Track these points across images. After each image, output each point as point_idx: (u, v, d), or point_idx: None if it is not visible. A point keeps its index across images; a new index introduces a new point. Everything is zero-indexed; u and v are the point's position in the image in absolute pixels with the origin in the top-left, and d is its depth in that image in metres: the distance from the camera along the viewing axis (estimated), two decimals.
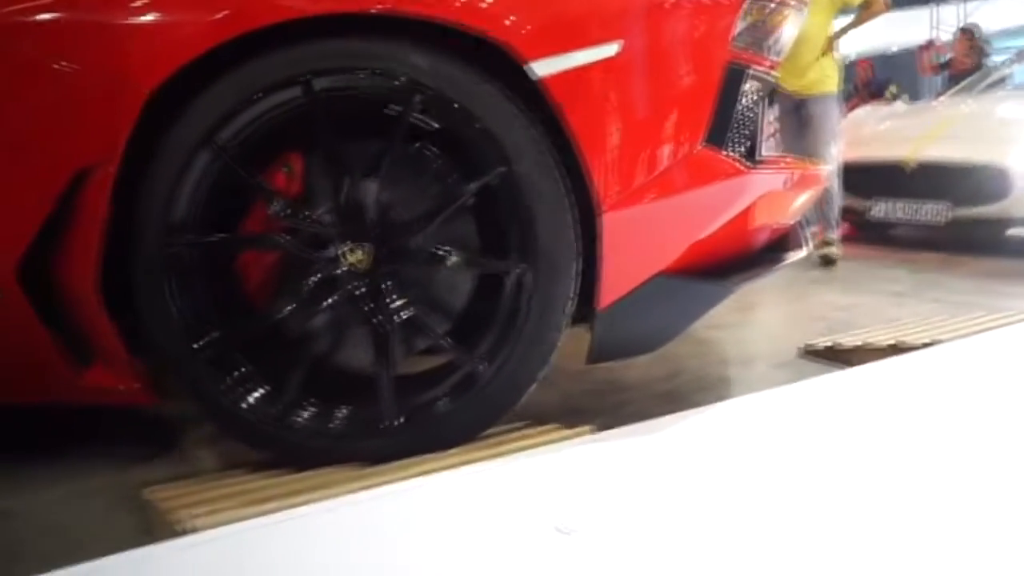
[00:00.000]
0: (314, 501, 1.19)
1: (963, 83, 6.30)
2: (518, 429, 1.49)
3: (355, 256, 1.39)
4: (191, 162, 1.32)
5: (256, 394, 1.38)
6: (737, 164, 1.46)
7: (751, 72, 1.48)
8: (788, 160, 1.71)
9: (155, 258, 1.33)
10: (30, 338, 1.33)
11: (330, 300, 1.39)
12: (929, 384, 1.75)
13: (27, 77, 1.31)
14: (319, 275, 1.39)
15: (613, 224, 1.37)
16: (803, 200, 1.71)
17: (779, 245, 1.73)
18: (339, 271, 1.39)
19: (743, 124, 1.49)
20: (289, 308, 1.39)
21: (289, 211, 1.40)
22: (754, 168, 1.49)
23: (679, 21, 1.43)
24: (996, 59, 7.82)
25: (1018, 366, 1.89)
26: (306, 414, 1.39)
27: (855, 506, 1.15)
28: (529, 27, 1.33)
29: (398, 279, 1.41)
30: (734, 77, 1.45)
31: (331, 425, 1.39)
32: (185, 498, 1.24)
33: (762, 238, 1.64)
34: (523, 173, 1.36)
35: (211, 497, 1.23)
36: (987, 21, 10.18)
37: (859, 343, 2.13)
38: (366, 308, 1.39)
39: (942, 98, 6.05)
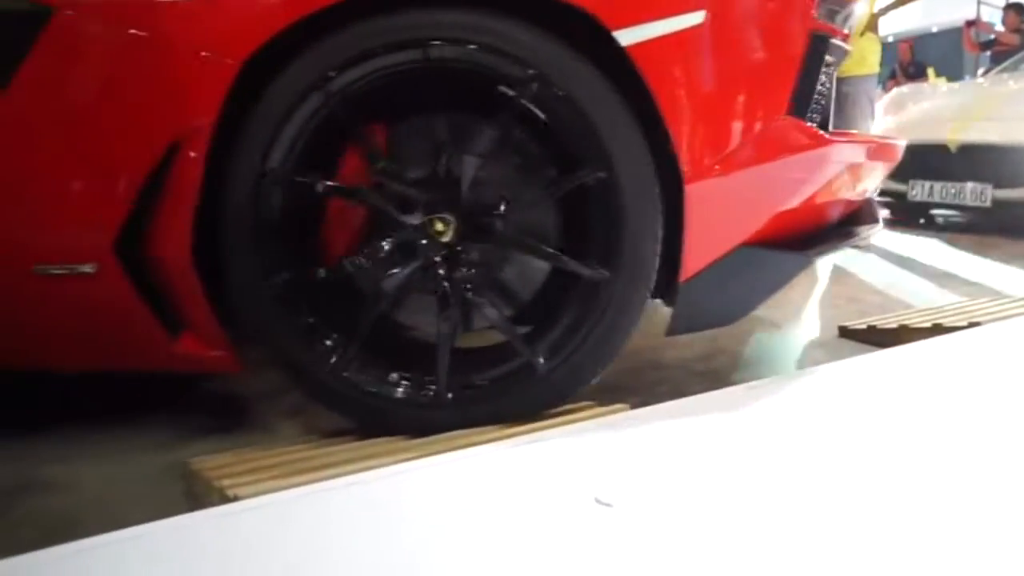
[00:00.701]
0: (359, 471, 1.22)
1: (1007, 62, 6.17)
2: None
3: (441, 227, 1.41)
4: (299, 105, 1.34)
5: (339, 356, 1.42)
6: (821, 135, 1.47)
7: (831, 43, 1.49)
8: (861, 133, 1.71)
9: (247, 202, 1.36)
10: (127, 309, 1.38)
11: (409, 265, 1.42)
12: (968, 366, 1.73)
13: (118, 50, 1.33)
14: (401, 239, 1.42)
15: (698, 195, 1.37)
16: (878, 174, 1.71)
17: (854, 219, 1.74)
18: (422, 239, 1.42)
19: (820, 95, 1.51)
20: (364, 262, 1.42)
21: (387, 170, 1.42)
22: (836, 139, 1.49)
23: None
24: None
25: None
26: (401, 386, 1.43)
27: (890, 486, 1.15)
28: None
29: (476, 258, 1.44)
30: (817, 47, 1.45)
31: (422, 393, 1.44)
32: (230, 467, 1.27)
33: (838, 211, 1.65)
34: (620, 174, 1.37)
35: (257, 467, 1.27)
36: None
37: (896, 324, 2.11)
38: (440, 279, 1.43)
39: (984, 78, 5.93)
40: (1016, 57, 6.15)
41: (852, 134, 1.62)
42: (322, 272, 1.43)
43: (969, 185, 4.25)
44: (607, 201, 1.39)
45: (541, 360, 1.41)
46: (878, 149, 1.65)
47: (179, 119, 1.31)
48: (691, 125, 1.37)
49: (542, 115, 1.39)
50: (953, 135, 4.27)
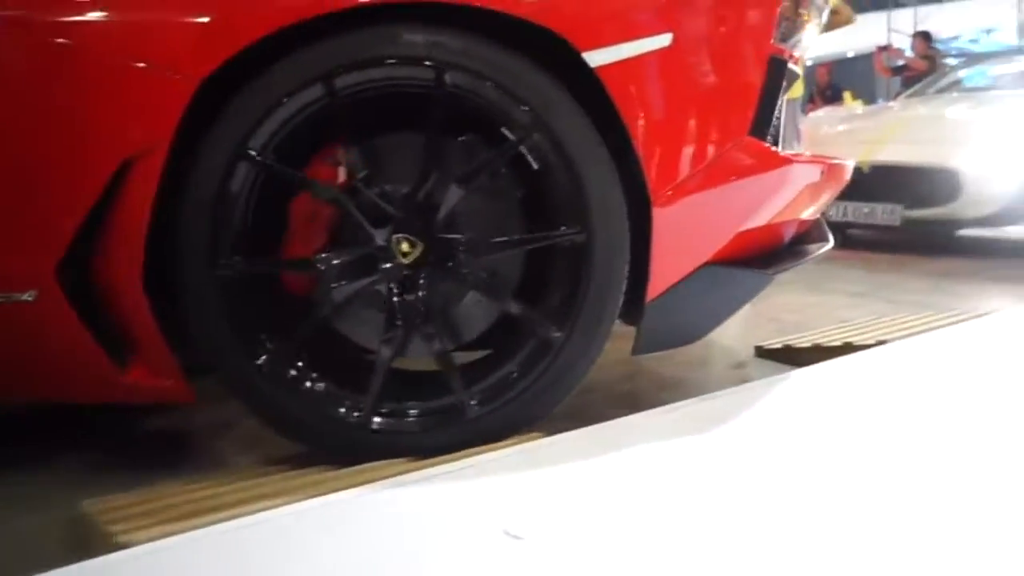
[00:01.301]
0: (262, 510, 1.18)
1: (916, 87, 6.43)
2: None
3: (407, 247, 1.39)
4: (293, 95, 1.31)
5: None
6: (783, 155, 1.51)
7: (787, 66, 1.53)
8: (817, 154, 1.75)
9: (212, 189, 1.31)
10: (69, 337, 1.30)
11: (366, 278, 1.40)
12: (877, 383, 1.78)
13: (67, 64, 1.27)
14: (367, 251, 1.40)
15: (665, 215, 1.39)
16: (830, 194, 1.75)
17: (805, 238, 1.78)
18: (386, 257, 1.39)
19: (777, 116, 1.54)
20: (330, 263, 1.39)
21: (368, 180, 1.38)
22: (797, 160, 1.54)
23: (729, 11, 1.45)
24: (949, 62, 8.00)
25: (963, 364, 1.92)
26: (333, 402, 1.41)
27: (807, 502, 1.16)
28: (583, 18, 1.34)
29: (434, 286, 1.42)
30: (776, 70, 1.49)
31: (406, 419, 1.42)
32: (125, 510, 1.21)
33: (792, 230, 1.69)
34: (596, 238, 1.38)
35: (154, 508, 1.21)
36: (941, 26, 10.40)
37: (810, 344, 2.15)
38: (392, 299, 1.41)
39: (896, 101, 6.16)
40: (924, 82, 6.42)
41: (808, 155, 1.66)
42: (275, 265, 1.42)
43: (880, 205, 4.40)
44: (576, 261, 1.40)
45: (473, 403, 1.40)
46: (831, 170, 1.70)
47: (132, 137, 1.26)
48: (659, 147, 1.38)
49: (535, 164, 1.39)
50: (865, 157, 4.42)
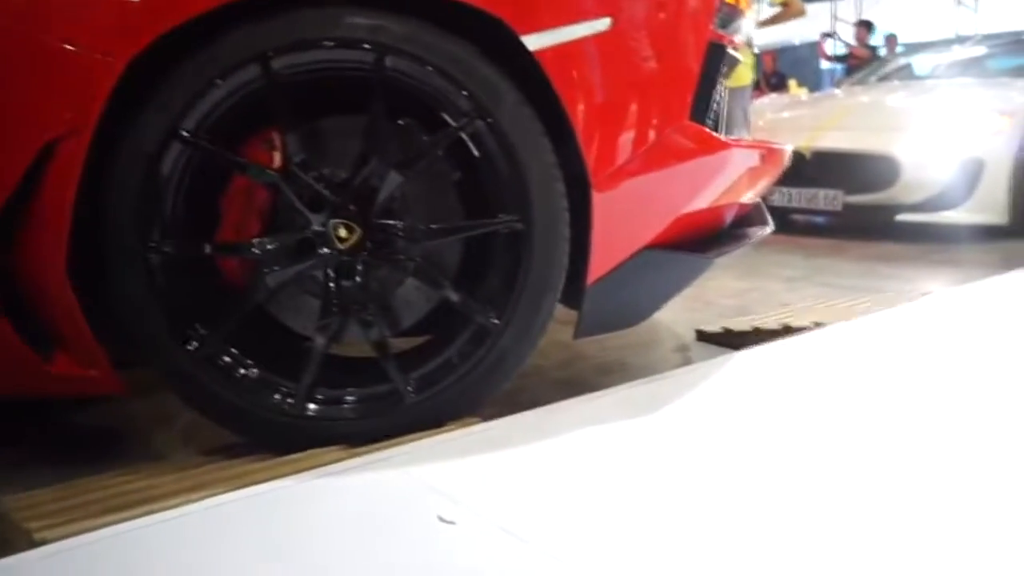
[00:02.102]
0: (191, 501, 1.15)
1: (858, 74, 6.55)
2: None
3: (345, 233, 1.36)
4: (226, 76, 1.27)
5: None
6: (722, 140, 1.51)
7: (727, 51, 1.53)
8: (756, 139, 1.75)
9: (140, 169, 1.27)
10: None
11: (301, 263, 1.37)
12: (815, 364, 1.81)
13: None
14: (303, 235, 1.37)
15: (605, 198, 1.38)
16: (771, 177, 1.76)
17: (745, 222, 1.79)
18: (322, 241, 1.36)
19: (716, 101, 1.55)
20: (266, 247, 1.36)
21: (305, 163, 1.35)
22: (735, 144, 1.54)
23: None
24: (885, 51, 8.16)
25: (898, 345, 1.96)
26: (265, 389, 1.38)
27: (747, 482, 1.17)
28: (521, 2, 1.32)
29: (371, 272, 1.40)
30: (715, 55, 1.49)
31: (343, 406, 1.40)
32: (44, 506, 1.17)
33: (732, 214, 1.69)
34: (536, 227, 1.36)
35: (74, 504, 1.17)
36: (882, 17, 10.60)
37: (750, 327, 2.18)
38: (328, 285, 1.38)
39: (839, 89, 6.27)
40: (867, 70, 6.54)
41: (747, 140, 1.66)
42: (209, 248, 1.38)
43: (822, 191, 4.47)
44: (515, 249, 1.38)
45: (410, 390, 1.39)
46: (769, 154, 1.72)
47: (56, 118, 1.20)
48: (598, 131, 1.38)
49: (476, 151, 1.37)
50: (808, 143, 4.48)
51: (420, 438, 1.35)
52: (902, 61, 6.28)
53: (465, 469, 1.23)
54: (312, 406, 1.38)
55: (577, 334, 1.51)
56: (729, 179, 1.56)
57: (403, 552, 1.00)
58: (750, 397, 1.57)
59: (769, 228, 1.82)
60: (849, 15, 11.57)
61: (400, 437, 1.37)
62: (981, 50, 5.88)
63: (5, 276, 1.25)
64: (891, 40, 9.60)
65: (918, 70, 5.91)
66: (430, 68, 1.31)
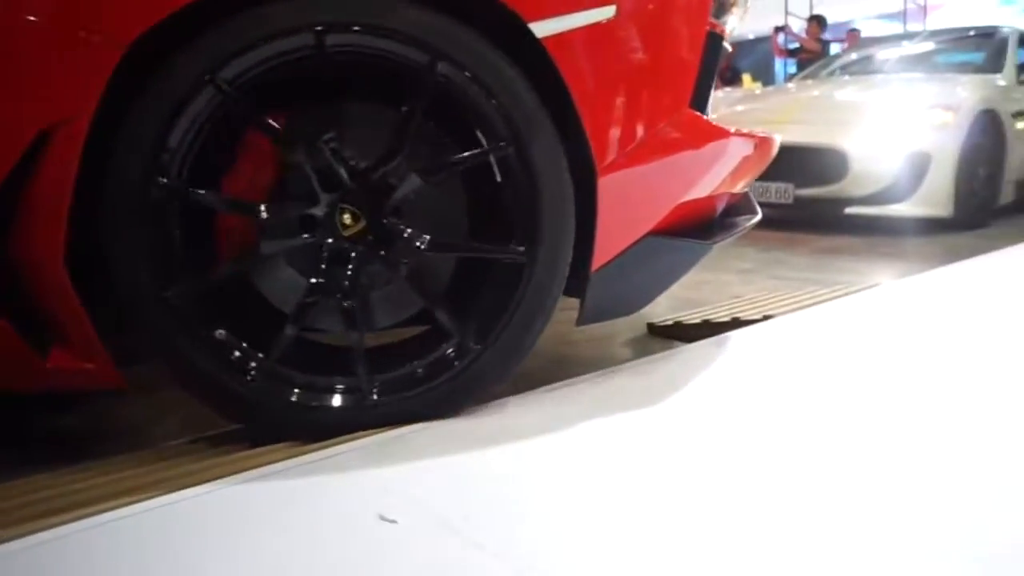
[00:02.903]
0: (133, 503, 1.12)
1: (809, 68, 6.64)
2: None
3: (349, 221, 1.35)
4: (194, 96, 1.24)
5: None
6: (723, 128, 1.53)
7: (723, 41, 1.55)
8: (747, 128, 1.76)
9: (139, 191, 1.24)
10: None
11: (299, 239, 1.35)
12: (764, 355, 1.83)
13: None
14: (306, 210, 1.35)
15: (609, 186, 1.39)
16: (761, 166, 1.78)
17: (735, 211, 1.80)
18: (327, 224, 1.35)
19: (711, 89, 1.57)
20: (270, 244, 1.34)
21: (333, 141, 1.33)
22: (734, 132, 1.56)
23: None
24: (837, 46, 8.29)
25: (846, 335, 1.99)
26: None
27: (695, 481, 1.17)
28: None
29: (362, 266, 1.38)
30: (713, 44, 1.51)
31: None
32: None
33: (723, 202, 1.70)
34: (540, 261, 1.37)
35: (5, 508, 1.13)
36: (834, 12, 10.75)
37: (700, 320, 2.19)
38: (320, 264, 1.36)
39: (791, 83, 6.35)
40: (818, 64, 6.63)
41: (742, 129, 1.68)
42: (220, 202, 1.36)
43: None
44: (513, 279, 1.38)
45: (374, 391, 1.37)
46: (762, 143, 1.74)
47: (50, 106, 1.16)
48: (603, 118, 1.38)
49: (498, 175, 1.37)
50: None
51: (363, 436, 1.33)
52: (853, 56, 6.38)
53: (408, 467, 1.21)
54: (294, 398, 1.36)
55: (580, 320, 1.52)
56: (728, 167, 1.59)
57: (343, 551, 0.98)
58: (699, 389, 1.58)
59: (758, 216, 1.85)
60: (802, 10, 11.72)
61: (339, 436, 1.35)
62: (929, 45, 6.00)
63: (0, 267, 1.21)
64: (852, 34, 9.72)
65: (868, 65, 6.01)
66: (478, 87, 1.31)
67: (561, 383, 1.61)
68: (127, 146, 1.24)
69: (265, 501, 1.12)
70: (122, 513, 1.08)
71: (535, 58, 1.33)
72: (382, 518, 1.05)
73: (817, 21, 9.13)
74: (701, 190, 1.54)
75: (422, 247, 1.38)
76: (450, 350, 1.40)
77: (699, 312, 2.33)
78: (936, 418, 1.42)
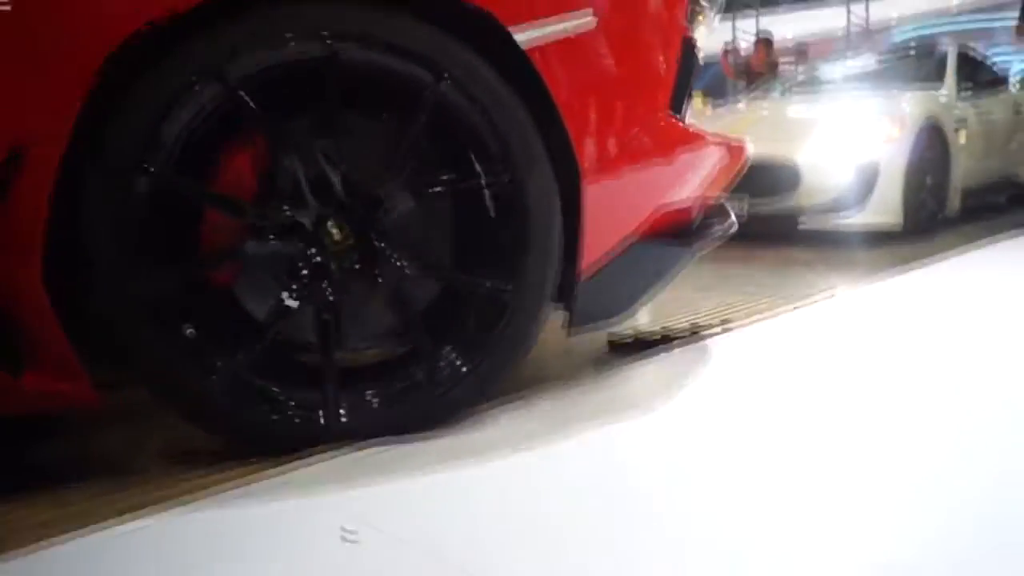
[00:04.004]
0: (97, 531, 1.09)
1: (756, 88, 6.77)
2: None
3: (336, 235, 1.34)
4: (186, 94, 1.23)
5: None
6: (701, 133, 1.56)
7: (696, 47, 1.58)
8: (721, 134, 1.77)
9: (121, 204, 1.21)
10: None
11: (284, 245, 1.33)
12: (724, 366, 1.84)
13: None
14: (296, 218, 1.33)
15: (593, 193, 1.40)
16: (732, 171, 1.80)
17: (709, 218, 1.81)
18: (314, 235, 1.34)
19: (686, 96, 1.59)
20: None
21: (277, 175, 1.32)
22: (711, 137, 1.58)
23: None
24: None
25: (804, 343, 2.02)
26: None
27: (661, 499, 1.17)
28: None
29: (343, 282, 1.37)
30: (689, 51, 1.53)
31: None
32: None
33: (699, 209, 1.71)
34: (522, 297, 1.38)
35: None
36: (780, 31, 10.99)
37: (659, 333, 2.20)
38: (299, 273, 1.35)
39: (742, 102, 6.46)
40: (765, 83, 6.76)
41: (716, 134, 1.69)
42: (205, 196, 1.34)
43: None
44: (498, 301, 1.38)
45: (342, 410, 1.36)
46: (735, 150, 1.76)
47: (24, 120, 1.13)
48: (586, 125, 1.39)
49: (491, 205, 1.38)
50: None
51: (324, 457, 1.31)
52: (800, 74, 6.52)
53: (370, 486, 1.20)
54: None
55: (570, 331, 1.53)
56: (706, 172, 1.60)
57: (306, 570, 0.96)
58: (660, 401, 1.58)
59: (735, 224, 1.86)
60: (750, 29, 11.98)
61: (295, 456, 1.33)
62: (873, 62, 6.15)
63: None
64: (801, 50, 9.91)
65: (816, 81, 6.14)
66: (480, 109, 1.33)
67: (522, 398, 1.60)
68: (118, 135, 1.21)
69: (223, 525, 1.09)
70: (90, 540, 1.05)
71: (518, 68, 1.34)
72: (344, 538, 1.03)
73: (764, 42, 9.32)
74: (680, 194, 1.56)
75: (406, 271, 1.36)
76: (413, 380, 1.39)
77: (659, 325, 2.34)
78: (898, 421, 1.44)
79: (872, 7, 14.88)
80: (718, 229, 1.78)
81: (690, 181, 1.58)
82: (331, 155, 1.33)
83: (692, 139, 1.55)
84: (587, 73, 1.40)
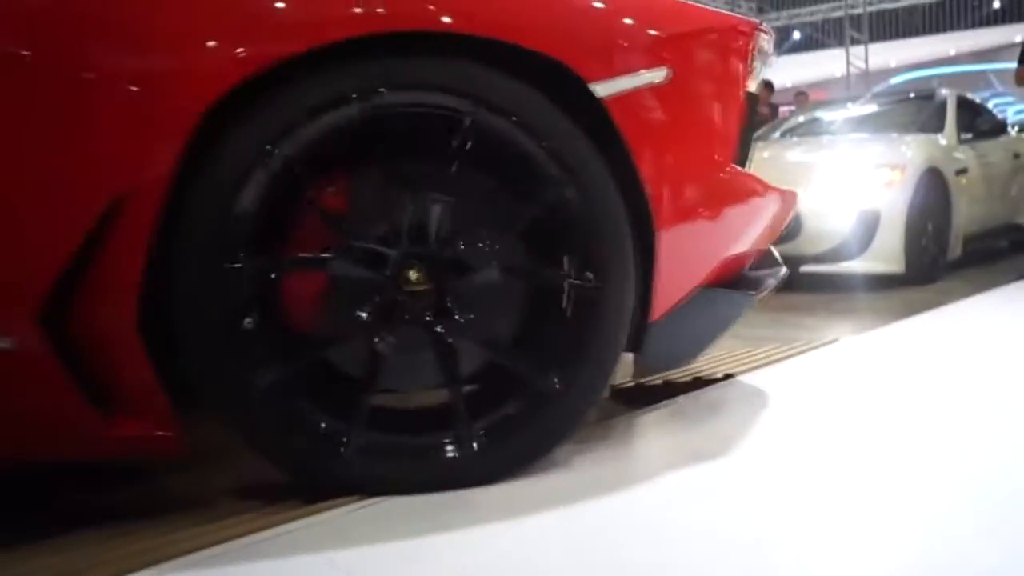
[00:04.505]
0: None
1: (760, 131, 6.82)
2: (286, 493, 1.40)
3: (415, 275, 1.36)
4: (251, 172, 1.24)
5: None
6: (767, 183, 1.61)
7: (757, 101, 1.63)
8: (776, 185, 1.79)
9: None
10: (50, 389, 1.16)
11: (395, 323, 1.35)
12: (727, 414, 1.81)
13: (48, 92, 1.14)
14: (378, 297, 1.35)
15: (667, 240, 1.43)
16: (787, 220, 1.84)
17: (761, 265, 1.85)
18: (399, 295, 1.35)
19: (750, 146, 1.65)
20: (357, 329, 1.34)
21: (352, 230, 1.35)
22: (774, 188, 1.63)
23: (721, 46, 1.53)
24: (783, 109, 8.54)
25: (806, 391, 1.99)
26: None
27: (660, 551, 1.14)
28: (589, 50, 1.37)
29: (458, 299, 1.38)
30: (751, 104, 1.59)
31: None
32: None
33: (753, 256, 1.75)
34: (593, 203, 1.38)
35: None
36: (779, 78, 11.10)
37: (662, 381, 2.18)
38: (434, 328, 1.36)
39: None
40: (767, 127, 6.81)
41: (774, 185, 1.72)
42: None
43: None
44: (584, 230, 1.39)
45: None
46: (789, 196, 1.79)
47: (126, 172, 1.14)
48: (660, 175, 1.43)
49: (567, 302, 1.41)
50: None
51: (317, 512, 1.29)
52: (801, 118, 6.57)
53: (362, 541, 1.17)
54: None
55: (639, 373, 1.58)
56: (766, 221, 1.65)
57: None
58: (662, 452, 1.56)
59: (784, 270, 1.88)
60: None
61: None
62: (873, 107, 6.20)
63: (66, 334, 1.17)
64: (800, 97, 10.02)
65: (816, 127, 6.18)
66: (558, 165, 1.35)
67: None
68: (194, 220, 1.23)
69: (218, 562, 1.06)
70: None
71: (593, 119, 1.37)
72: (332, 565, 1.00)
73: (766, 86, 9.42)
74: (746, 243, 1.61)
75: (465, 337, 1.38)
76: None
77: (659, 376, 2.32)
78: (906, 468, 1.41)
79: (872, 54, 15.07)
80: (770, 274, 1.80)
81: (755, 230, 1.62)
82: (436, 207, 1.36)
83: (758, 188, 1.60)
84: (660, 125, 1.44)
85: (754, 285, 1.71)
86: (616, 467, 1.48)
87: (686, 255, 1.50)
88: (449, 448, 1.37)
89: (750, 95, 1.59)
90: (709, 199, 1.51)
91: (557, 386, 1.39)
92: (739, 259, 1.66)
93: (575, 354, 1.41)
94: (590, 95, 1.36)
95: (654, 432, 1.70)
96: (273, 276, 1.36)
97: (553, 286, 1.45)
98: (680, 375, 2.23)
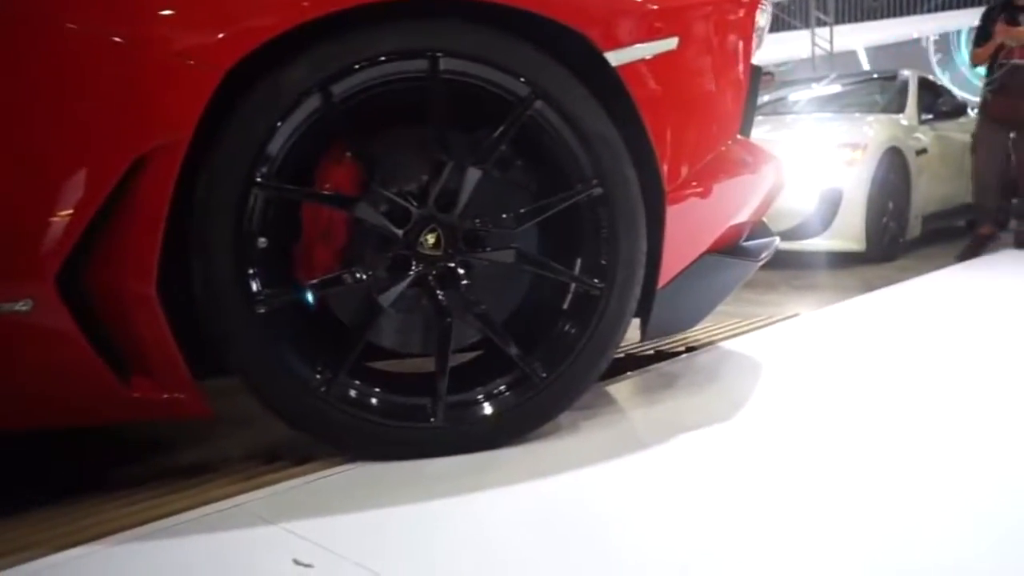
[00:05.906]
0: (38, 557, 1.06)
1: None
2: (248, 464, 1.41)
3: (432, 239, 1.36)
4: (293, 109, 1.24)
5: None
6: (770, 152, 1.63)
7: (761, 72, 1.64)
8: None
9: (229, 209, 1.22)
10: (69, 353, 1.15)
11: (403, 280, 1.35)
12: (686, 387, 1.84)
13: (71, 52, 1.11)
14: (396, 252, 1.35)
15: (675, 207, 1.45)
16: (780, 189, 1.86)
17: (755, 235, 1.85)
18: (413, 254, 1.36)
19: (754, 116, 1.66)
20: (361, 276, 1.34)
21: (384, 181, 1.33)
22: (775, 157, 1.65)
23: (726, 17, 1.54)
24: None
25: (767, 364, 2.02)
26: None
27: (623, 530, 1.16)
28: (602, 19, 1.37)
29: (468, 269, 1.39)
30: (755, 74, 1.60)
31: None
32: None
33: (749, 225, 1.76)
34: (610, 188, 1.40)
35: None
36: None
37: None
38: (437, 293, 1.37)
39: None
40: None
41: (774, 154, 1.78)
42: (311, 286, 1.33)
43: None
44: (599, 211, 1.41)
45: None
46: (781, 166, 1.82)
47: (148, 132, 1.12)
48: (670, 144, 1.44)
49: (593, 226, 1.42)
50: None
51: (276, 482, 1.29)
52: (766, 98, 6.61)
53: (323, 512, 1.17)
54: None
55: (645, 336, 1.59)
56: (767, 189, 1.67)
57: None
58: (624, 425, 1.58)
59: (778, 240, 1.91)
60: None
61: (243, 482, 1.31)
62: (837, 87, 6.26)
63: (82, 296, 1.16)
64: (765, 77, 10.07)
65: (780, 106, 6.23)
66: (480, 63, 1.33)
67: None
68: (228, 150, 1.22)
69: (176, 549, 1.06)
70: (33, 566, 1.02)
71: (607, 88, 1.38)
72: (297, 562, 1.01)
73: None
74: (751, 210, 1.62)
75: (509, 225, 1.40)
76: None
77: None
78: (865, 434, 1.45)
79: (836, 36, 15.18)
80: (766, 243, 1.83)
81: (757, 198, 1.64)
82: (470, 180, 1.36)
83: (763, 157, 1.62)
84: (671, 94, 1.45)
85: (751, 254, 1.73)
86: (575, 441, 1.49)
87: (694, 223, 1.52)
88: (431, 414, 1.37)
89: (756, 68, 1.60)
90: (716, 168, 1.53)
91: (543, 375, 1.40)
92: (738, 228, 1.68)
93: (568, 352, 1.42)
94: (601, 69, 1.36)
95: (606, 406, 1.71)
96: (296, 204, 1.37)
97: (559, 284, 1.46)
98: (642, 348, 2.25)
